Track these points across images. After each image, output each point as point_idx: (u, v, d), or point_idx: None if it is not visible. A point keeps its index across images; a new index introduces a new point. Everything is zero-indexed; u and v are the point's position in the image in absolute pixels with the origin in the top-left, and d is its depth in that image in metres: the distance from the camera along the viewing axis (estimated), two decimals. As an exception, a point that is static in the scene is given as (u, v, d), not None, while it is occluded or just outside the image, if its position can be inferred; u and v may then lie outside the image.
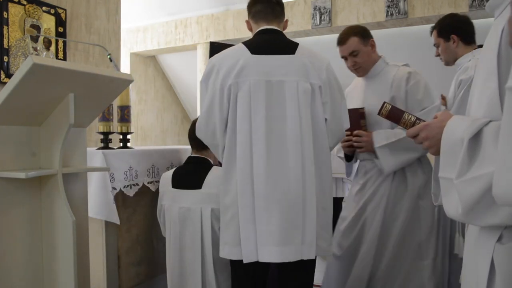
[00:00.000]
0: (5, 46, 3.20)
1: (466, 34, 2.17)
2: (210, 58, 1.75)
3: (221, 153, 1.73)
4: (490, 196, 0.74)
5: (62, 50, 3.62)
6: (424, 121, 1.10)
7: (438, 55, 2.36)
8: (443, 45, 2.21)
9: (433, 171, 1.09)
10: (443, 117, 0.99)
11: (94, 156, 2.11)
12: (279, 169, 1.61)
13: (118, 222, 2.13)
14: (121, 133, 2.43)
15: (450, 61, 2.25)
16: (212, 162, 2.13)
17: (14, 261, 1.54)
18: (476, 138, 0.82)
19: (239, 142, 1.63)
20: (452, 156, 0.87)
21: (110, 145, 2.38)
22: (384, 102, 1.26)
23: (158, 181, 2.38)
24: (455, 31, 2.15)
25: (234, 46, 1.76)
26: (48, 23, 3.50)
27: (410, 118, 1.17)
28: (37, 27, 3.41)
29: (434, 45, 2.36)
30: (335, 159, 3.98)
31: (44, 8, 3.46)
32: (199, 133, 1.76)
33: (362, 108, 2.15)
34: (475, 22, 5.39)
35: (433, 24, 2.39)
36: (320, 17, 5.64)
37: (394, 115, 1.22)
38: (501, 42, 0.83)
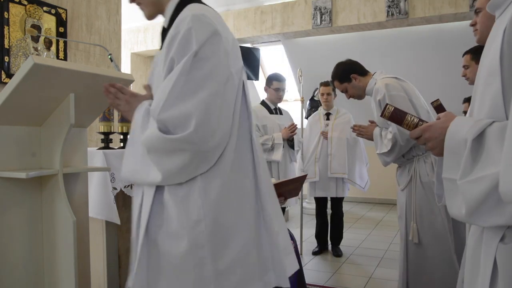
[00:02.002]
0: (6, 46, 3.20)
1: (360, 69, 2.55)
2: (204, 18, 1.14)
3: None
4: (494, 196, 0.74)
5: (62, 50, 3.62)
6: (427, 122, 1.10)
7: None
8: (349, 86, 2.55)
9: (436, 172, 1.09)
10: (446, 118, 0.99)
11: (95, 156, 2.11)
12: None
13: (119, 222, 2.13)
14: (121, 133, 2.43)
15: (361, 94, 2.57)
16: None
17: (14, 261, 1.54)
18: (479, 139, 0.82)
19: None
20: (455, 157, 0.87)
21: (111, 145, 2.37)
22: (387, 104, 1.27)
23: (159, 181, 2.38)
24: (352, 72, 2.52)
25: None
26: (48, 23, 3.50)
27: (413, 119, 1.17)
28: (37, 27, 3.41)
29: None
30: (336, 159, 3.98)
31: (44, 8, 3.46)
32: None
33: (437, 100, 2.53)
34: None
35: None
36: (321, 17, 5.64)
37: (396, 117, 1.22)
38: (504, 42, 0.82)
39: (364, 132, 2.53)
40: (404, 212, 2.38)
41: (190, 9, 1.17)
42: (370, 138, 2.49)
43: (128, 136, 1.25)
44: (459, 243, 2.21)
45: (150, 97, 1.26)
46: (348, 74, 2.50)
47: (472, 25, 2.45)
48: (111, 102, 1.31)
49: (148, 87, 1.30)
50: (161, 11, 1.31)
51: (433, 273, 2.24)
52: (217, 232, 1.13)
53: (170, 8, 1.27)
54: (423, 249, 2.28)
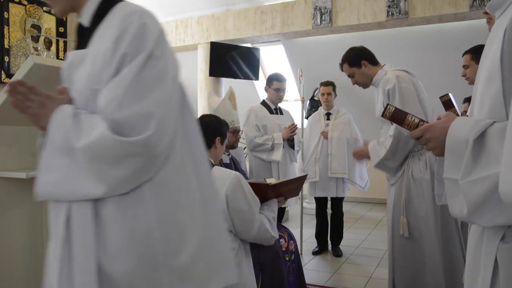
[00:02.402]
0: (6, 46, 3.20)
1: (372, 58, 2.54)
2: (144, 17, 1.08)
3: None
4: (495, 196, 0.74)
5: (62, 50, 3.62)
6: (427, 122, 1.10)
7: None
8: (358, 71, 2.54)
9: (437, 172, 1.09)
10: (446, 118, 0.99)
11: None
12: None
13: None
14: (121, 133, 2.43)
15: (367, 83, 2.57)
16: (213, 162, 2.13)
17: (14, 260, 1.54)
18: (480, 139, 0.82)
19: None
20: (456, 157, 0.87)
21: (111, 145, 2.37)
22: (388, 104, 1.26)
23: (159, 181, 2.38)
24: (364, 58, 2.51)
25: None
26: (48, 23, 3.50)
27: (414, 119, 1.17)
28: (37, 27, 3.41)
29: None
30: (336, 159, 3.98)
31: (44, 8, 3.46)
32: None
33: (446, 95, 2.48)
34: (476, 22, 5.38)
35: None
36: (321, 17, 5.64)
37: (397, 117, 1.22)
38: (504, 42, 0.82)
39: (363, 153, 2.56)
40: (392, 207, 2.39)
41: (129, 6, 1.08)
42: (368, 155, 2.51)
43: (43, 145, 1.11)
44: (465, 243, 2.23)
45: (67, 101, 1.11)
46: (360, 59, 2.48)
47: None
48: (17, 103, 1.13)
49: (64, 90, 1.14)
50: (75, 8, 1.17)
51: (418, 267, 2.26)
52: (171, 237, 1.05)
53: (91, 4, 1.13)
54: (410, 243, 2.29)
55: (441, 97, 2.47)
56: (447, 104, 2.43)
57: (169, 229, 1.05)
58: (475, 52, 2.43)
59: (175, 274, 1.04)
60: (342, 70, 2.58)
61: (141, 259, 1.00)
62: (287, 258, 2.39)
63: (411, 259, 2.29)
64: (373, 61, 2.51)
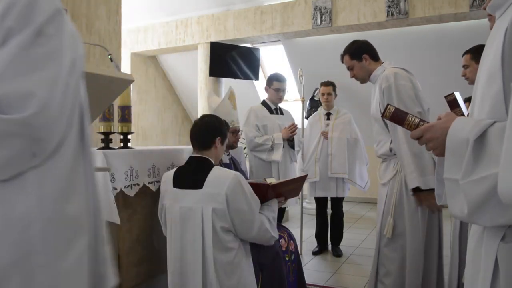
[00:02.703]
0: (6, 46, 3.19)
1: (374, 53, 2.50)
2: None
3: None
4: (495, 196, 0.74)
5: (62, 50, 3.62)
6: (427, 122, 1.10)
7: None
8: (357, 64, 2.49)
9: (437, 172, 1.09)
10: (447, 118, 0.99)
11: (95, 156, 2.11)
12: None
13: (119, 222, 2.13)
14: (121, 133, 2.43)
15: (366, 78, 2.52)
16: (213, 162, 2.13)
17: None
18: (481, 139, 0.82)
19: None
20: (457, 157, 0.87)
21: (111, 145, 2.38)
22: (388, 104, 1.26)
23: (159, 181, 2.38)
24: (366, 52, 2.47)
25: None
26: (48, 23, 3.49)
27: (414, 119, 1.17)
28: (37, 27, 3.41)
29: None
30: (336, 159, 3.98)
31: (44, 8, 3.46)
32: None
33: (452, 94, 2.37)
34: (476, 22, 5.38)
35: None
36: (321, 17, 5.64)
37: (397, 117, 1.21)
38: (505, 41, 0.82)
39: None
40: (382, 207, 2.38)
41: None
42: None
43: None
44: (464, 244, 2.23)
45: None
46: (362, 52, 2.45)
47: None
48: None
49: None
50: None
51: (401, 268, 2.26)
52: (56, 235, 0.94)
53: None
54: (395, 244, 2.30)
55: (446, 96, 2.36)
56: (452, 103, 2.31)
57: (55, 225, 0.94)
58: (475, 52, 2.43)
59: (58, 279, 0.93)
60: (342, 62, 2.56)
61: (15, 254, 0.89)
62: (287, 258, 2.39)
63: (395, 260, 2.29)
64: (375, 57, 2.48)
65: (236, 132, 2.77)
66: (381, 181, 2.46)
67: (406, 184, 2.26)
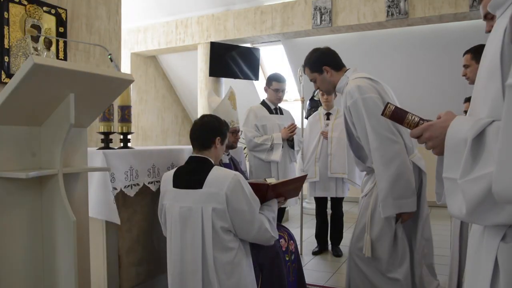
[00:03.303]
0: (6, 46, 3.20)
1: (335, 62, 2.29)
2: None
3: None
4: (494, 195, 0.74)
5: (62, 50, 3.62)
6: (427, 121, 1.09)
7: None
8: (319, 77, 2.32)
9: (436, 171, 1.09)
10: (446, 117, 0.99)
11: (95, 156, 2.11)
12: None
13: (119, 222, 2.13)
14: (121, 133, 2.43)
15: (330, 89, 2.36)
16: (213, 162, 2.13)
17: (14, 261, 1.54)
18: (479, 138, 0.82)
19: None
20: (456, 156, 0.87)
21: (111, 145, 2.37)
22: (387, 103, 1.26)
23: (159, 181, 2.38)
24: (325, 63, 2.27)
25: None
26: (48, 23, 3.49)
27: (414, 118, 1.17)
28: (37, 27, 3.41)
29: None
30: (336, 159, 3.98)
31: (44, 8, 3.46)
32: None
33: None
34: (476, 22, 5.38)
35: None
36: (321, 17, 5.64)
37: (397, 116, 1.21)
38: (504, 41, 0.82)
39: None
40: (358, 220, 2.34)
41: None
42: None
43: None
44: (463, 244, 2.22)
45: None
46: (321, 64, 2.25)
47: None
48: None
49: None
50: None
51: (372, 278, 2.22)
52: None
53: None
54: (367, 259, 2.24)
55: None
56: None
57: None
58: (476, 52, 2.43)
59: None
60: (304, 73, 2.41)
61: None
62: (287, 258, 2.39)
63: (368, 274, 2.24)
64: (336, 66, 2.26)
65: (236, 132, 2.77)
66: (362, 193, 2.39)
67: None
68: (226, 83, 6.60)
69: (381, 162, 2.05)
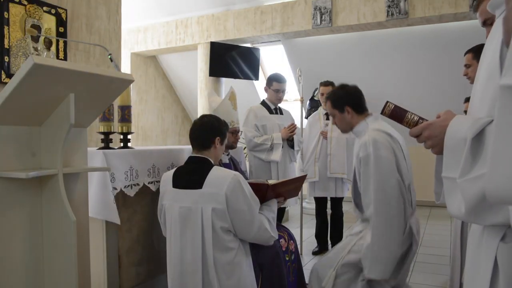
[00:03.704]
0: (6, 46, 3.20)
1: (358, 105, 2.27)
2: None
3: None
4: None
5: (62, 50, 3.62)
6: (427, 120, 1.09)
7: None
8: (339, 115, 2.30)
9: (435, 170, 1.09)
10: (446, 116, 0.99)
11: (95, 156, 2.11)
12: None
13: (119, 222, 2.13)
14: (121, 133, 2.43)
15: (347, 129, 2.33)
16: (213, 162, 2.13)
17: (14, 261, 1.54)
18: (479, 137, 0.82)
19: None
20: (455, 155, 0.87)
21: (111, 145, 2.37)
22: (387, 102, 1.26)
23: (159, 181, 2.38)
24: (348, 104, 2.25)
25: None
26: (48, 23, 3.50)
27: (413, 117, 1.17)
28: (37, 27, 3.41)
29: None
30: (336, 159, 3.98)
31: (44, 8, 3.46)
32: None
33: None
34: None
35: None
36: (321, 17, 5.64)
37: (396, 115, 1.21)
38: (503, 41, 0.82)
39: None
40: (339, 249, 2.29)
41: None
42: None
43: None
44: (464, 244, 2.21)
45: None
46: (344, 104, 2.23)
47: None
48: None
49: None
50: None
51: None
52: None
53: None
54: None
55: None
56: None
57: None
58: (477, 51, 2.42)
59: None
60: (325, 106, 2.37)
61: None
62: (287, 258, 2.39)
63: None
64: (359, 109, 2.24)
65: (235, 132, 2.77)
66: (351, 230, 2.35)
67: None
68: (226, 83, 6.60)
69: (376, 224, 2.03)
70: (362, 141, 2.12)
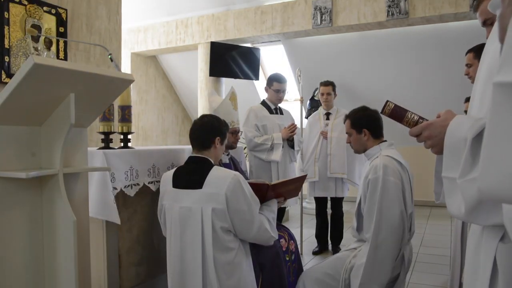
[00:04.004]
0: (6, 46, 3.20)
1: (376, 130, 2.32)
2: None
3: None
4: None
5: (63, 50, 3.62)
6: (427, 120, 1.09)
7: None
8: (355, 135, 2.35)
9: (435, 170, 1.09)
10: (446, 116, 0.99)
11: (95, 156, 2.11)
12: None
13: (119, 222, 2.13)
14: (122, 133, 2.43)
15: (360, 150, 2.37)
16: (213, 162, 2.13)
17: (15, 261, 1.54)
18: (479, 138, 0.81)
19: None
20: (455, 155, 0.87)
21: (111, 145, 2.38)
22: (387, 101, 1.26)
23: (159, 181, 2.38)
24: (367, 127, 2.30)
25: None
26: (49, 23, 3.50)
27: (413, 117, 1.17)
28: (38, 27, 3.41)
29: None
30: (336, 159, 3.98)
31: (45, 8, 3.46)
32: None
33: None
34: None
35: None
36: (321, 17, 5.64)
37: (396, 114, 1.21)
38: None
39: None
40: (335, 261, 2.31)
41: None
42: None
43: None
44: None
45: None
46: (362, 126, 2.30)
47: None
48: None
49: None
50: None
51: None
52: None
53: None
54: None
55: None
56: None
57: None
58: (478, 51, 2.42)
59: None
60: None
61: None
62: (287, 258, 2.39)
63: None
64: (375, 134, 2.30)
65: (236, 132, 2.77)
66: (349, 246, 2.37)
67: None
68: (226, 83, 6.60)
69: (373, 246, 2.06)
70: (373, 164, 2.16)
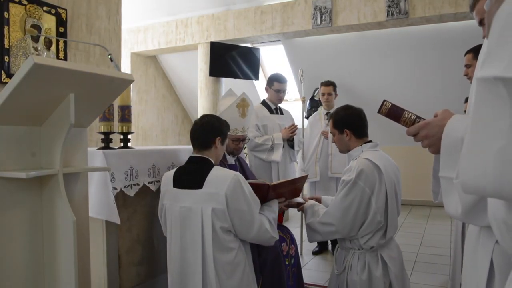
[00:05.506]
0: (6, 46, 3.20)
1: (359, 130, 2.28)
2: None
3: None
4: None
5: (62, 50, 3.62)
6: (424, 119, 1.09)
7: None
8: (338, 135, 2.33)
9: (433, 169, 1.09)
10: (443, 115, 0.99)
11: (95, 156, 2.11)
12: None
13: (119, 222, 2.13)
14: (121, 133, 2.43)
15: (344, 150, 2.36)
16: (213, 162, 2.12)
17: (14, 261, 1.54)
18: None
19: None
20: (452, 155, 0.87)
21: (111, 145, 2.38)
22: (384, 100, 1.25)
23: (159, 181, 2.38)
24: (348, 127, 2.26)
25: None
26: (48, 23, 3.50)
27: (410, 116, 1.17)
28: (37, 27, 3.41)
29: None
30: (337, 159, 3.98)
31: (44, 8, 3.46)
32: None
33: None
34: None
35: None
36: (321, 17, 5.64)
37: (393, 113, 1.21)
38: None
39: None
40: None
41: None
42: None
43: None
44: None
45: None
46: (344, 126, 2.24)
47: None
48: None
49: None
50: None
51: None
52: None
53: None
54: None
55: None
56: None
57: None
58: (477, 51, 2.42)
59: None
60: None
61: None
62: (287, 262, 2.39)
63: None
64: (358, 134, 2.24)
65: (237, 140, 2.65)
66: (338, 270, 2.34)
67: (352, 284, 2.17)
68: (226, 83, 6.60)
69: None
70: (351, 166, 2.17)
